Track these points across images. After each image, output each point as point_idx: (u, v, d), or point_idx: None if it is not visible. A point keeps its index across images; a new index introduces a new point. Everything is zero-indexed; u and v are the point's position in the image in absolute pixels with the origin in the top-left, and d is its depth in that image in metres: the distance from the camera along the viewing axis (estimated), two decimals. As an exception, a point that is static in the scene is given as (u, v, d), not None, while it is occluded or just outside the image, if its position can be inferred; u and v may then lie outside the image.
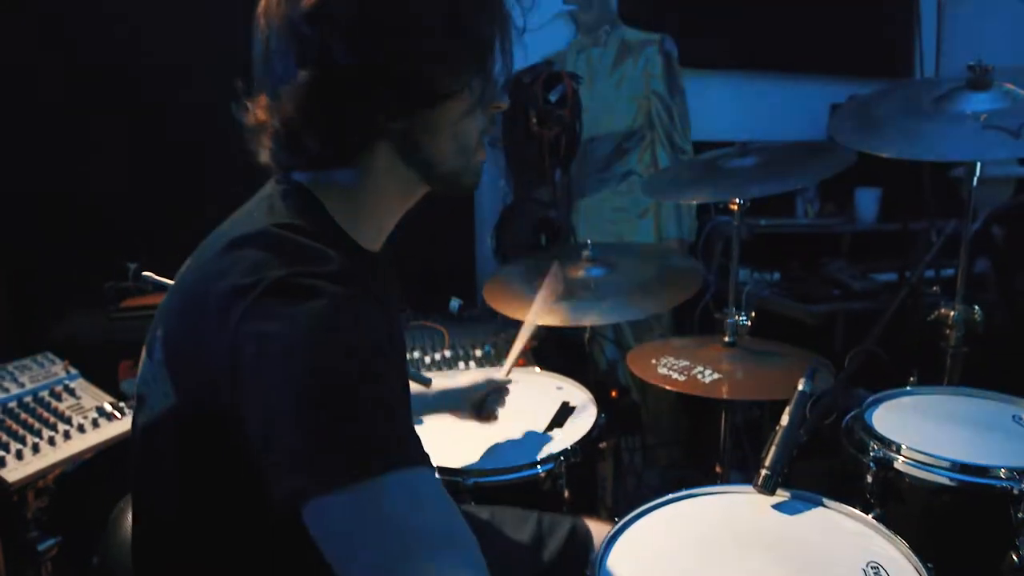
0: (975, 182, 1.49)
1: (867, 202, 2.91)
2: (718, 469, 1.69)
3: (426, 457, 0.71)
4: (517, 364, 2.09)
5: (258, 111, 0.83)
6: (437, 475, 0.75)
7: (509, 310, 1.91)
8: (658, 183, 2.06)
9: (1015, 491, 1.06)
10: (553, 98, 2.41)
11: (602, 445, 1.64)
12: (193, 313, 0.78)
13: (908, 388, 1.40)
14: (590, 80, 2.71)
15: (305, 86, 0.77)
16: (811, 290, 2.49)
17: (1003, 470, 1.09)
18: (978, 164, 1.48)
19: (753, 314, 1.85)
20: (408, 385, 1.06)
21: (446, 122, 0.84)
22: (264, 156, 0.86)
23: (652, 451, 2.66)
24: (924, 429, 1.25)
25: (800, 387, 1.26)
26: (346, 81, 0.77)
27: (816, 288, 2.51)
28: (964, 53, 2.76)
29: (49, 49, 2.18)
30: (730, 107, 2.90)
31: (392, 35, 0.76)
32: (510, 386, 1.74)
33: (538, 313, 1.61)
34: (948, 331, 1.52)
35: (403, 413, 0.76)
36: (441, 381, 1.50)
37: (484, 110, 0.88)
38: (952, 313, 1.51)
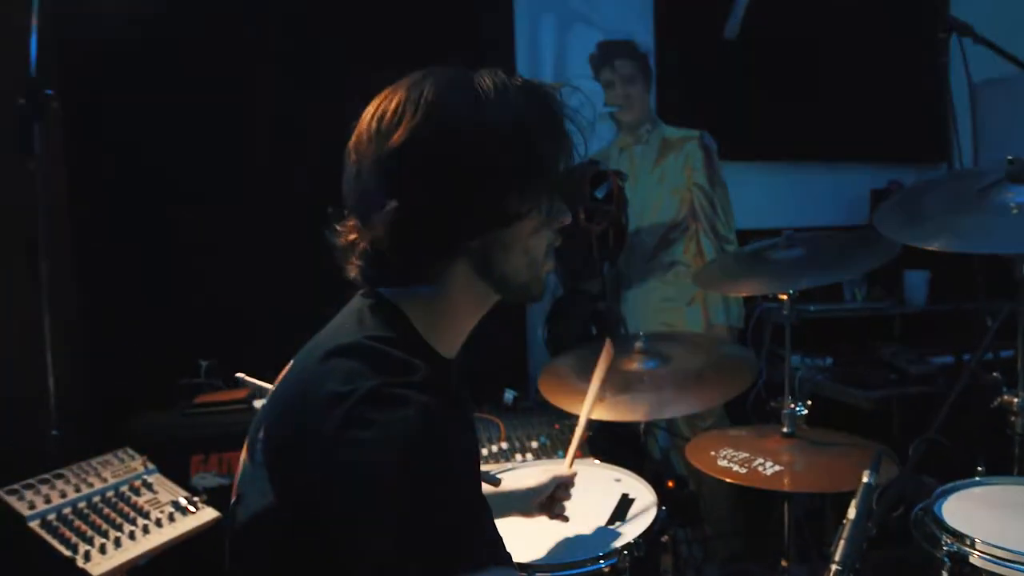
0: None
1: (916, 284, 2.91)
2: (784, 563, 1.66)
3: (508, 556, 0.75)
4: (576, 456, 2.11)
5: (349, 233, 0.92)
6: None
7: (563, 402, 1.94)
8: (708, 275, 2.12)
9: (1099, 587, 1.04)
10: (600, 194, 2.52)
11: (664, 538, 1.63)
12: (293, 418, 0.85)
13: (977, 478, 1.38)
14: (634, 176, 2.83)
15: (392, 214, 0.86)
16: (866, 375, 2.48)
17: (1085, 565, 1.07)
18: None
19: (810, 402, 1.86)
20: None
21: (518, 239, 0.92)
22: (352, 272, 0.94)
23: (711, 543, 2.60)
24: (997, 521, 1.23)
25: (865, 479, 1.26)
26: (428, 210, 0.86)
27: (871, 373, 2.50)
28: (1001, 141, 2.82)
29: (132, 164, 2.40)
30: (772, 196, 2.98)
31: (469, 171, 0.86)
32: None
33: (592, 401, 1.63)
34: (1013, 418, 1.51)
35: (487, 514, 0.80)
36: (506, 482, 1.51)
37: (552, 226, 0.96)
38: (1016, 400, 1.51)
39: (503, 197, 0.88)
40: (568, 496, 1.51)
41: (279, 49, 2.51)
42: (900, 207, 1.57)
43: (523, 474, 1.53)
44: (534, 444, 2.19)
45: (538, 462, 1.70)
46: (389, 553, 0.71)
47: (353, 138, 0.92)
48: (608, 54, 2.81)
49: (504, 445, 2.19)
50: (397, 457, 0.74)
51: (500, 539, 0.76)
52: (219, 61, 2.42)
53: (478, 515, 0.76)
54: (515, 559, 1.37)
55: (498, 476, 1.48)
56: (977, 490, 1.36)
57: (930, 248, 1.44)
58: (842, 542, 1.17)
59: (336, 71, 2.42)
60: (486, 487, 1.47)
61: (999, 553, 1.13)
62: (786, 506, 1.62)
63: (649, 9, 2.86)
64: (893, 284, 3.00)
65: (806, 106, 2.87)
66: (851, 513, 1.22)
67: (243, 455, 0.93)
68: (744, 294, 2.59)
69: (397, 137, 0.86)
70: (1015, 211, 1.38)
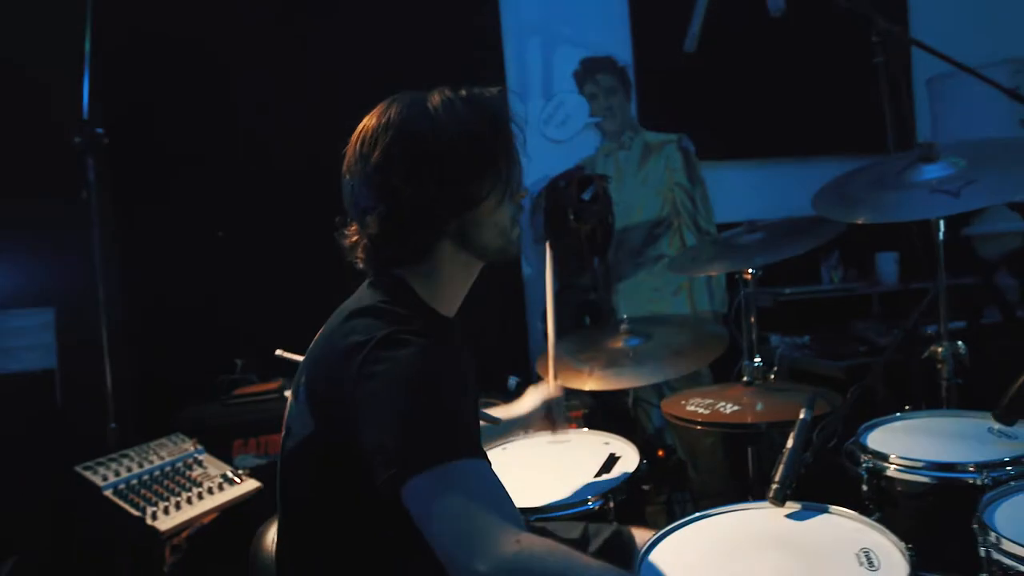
0: (940, 236, 1.76)
1: (887, 265, 3.14)
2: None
3: (484, 454, 1.00)
4: (569, 426, 2.36)
5: (351, 235, 1.20)
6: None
7: (564, 380, 2.18)
8: (682, 261, 2.38)
9: (981, 482, 1.27)
10: (586, 197, 2.78)
11: (645, 487, 1.87)
12: (327, 363, 1.11)
13: (898, 414, 1.62)
14: (619, 179, 3.09)
15: (383, 214, 1.13)
16: (838, 348, 2.70)
17: (972, 465, 1.30)
18: (941, 222, 1.75)
19: (776, 367, 2.10)
20: (477, 406, 1.35)
21: (485, 216, 1.18)
22: (359, 262, 1.22)
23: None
24: (910, 443, 1.47)
25: (801, 416, 1.51)
26: (409, 207, 1.12)
27: (843, 346, 2.72)
28: (956, 129, 3.06)
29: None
30: (747, 191, 3.23)
31: (434, 175, 1.12)
32: (565, 443, 2.01)
33: (552, 313, 1.87)
34: (939, 365, 1.74)
35: (469, 421, 1.05)
36: (503, 411, 1.79)
37: (511, 200, 1.22)
38: (940, 350, 1.74)
39: (463, 187, 1.14)
40: (562, 410, 1.78)
41: (304, 80, 2.82)
42: (833, 190, 1.82)
43: (519, 407, 1.79)
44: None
45: (532, 391, 1.92)
46: (394, 449, 0.96)
47: (345, 161, 1.19)
48: (590, 69, 3.09)
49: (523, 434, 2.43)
50: (401, 382, 1.00)
51: (478, 442, 1.02)
52: (249, 88, 2.72)
53: (461, 421, 1.01)
54: (517, 505, 1.63)
55: (497, 416, 1.73)
56: (898, 423, 1.59)
57: (858, 222, 1.68)
58: (781, 466, 1.41)
59: (349, 98, 2.72)
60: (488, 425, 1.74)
61: (906, 463, 1.37)
62: (750, 449, 1.86)
63: (626, 27, 3.14)
64: (867, 266, 3.23)
65: (775, 108, 3.12)
66: (789, 443, 1.47)
67: (290, 398, 1.20)
68: (713, 273, 2.83)
69: (375, 157, 1.13)
70: (923, 185, 1.62)
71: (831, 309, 3.16)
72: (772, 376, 2.10)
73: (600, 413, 2.47)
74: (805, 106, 3.18)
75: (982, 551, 1.10)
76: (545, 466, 1.89)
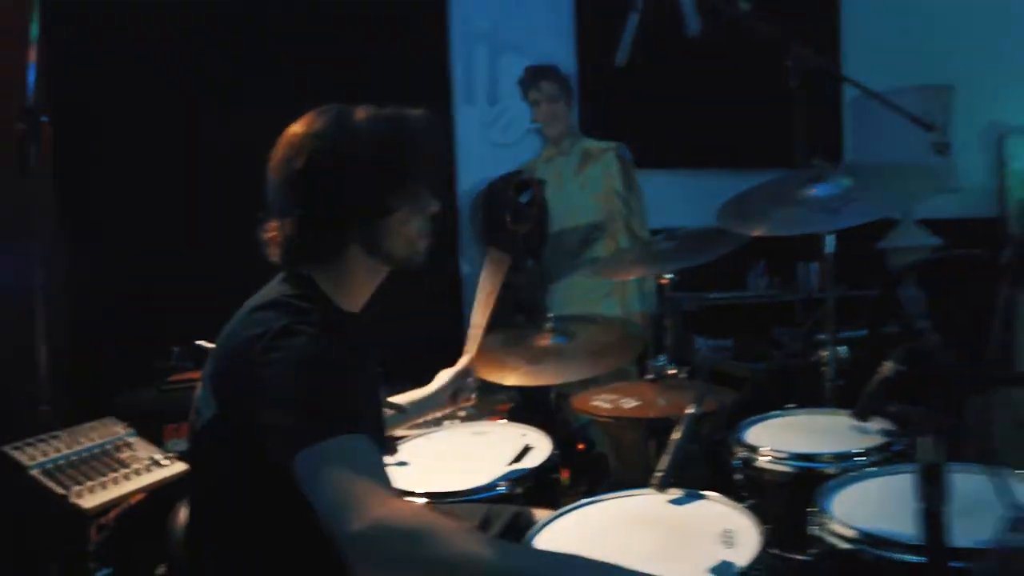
0: (828, 249, 1.91)
1: (807, 274, 3.32)
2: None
3: (368, 430, 1.11)
4: (494, 419, 2.48)
5: (271, 230, 1.29)
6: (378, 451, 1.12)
7: (489, 374, 2.30)
8: (607, 264, 2.51)
9: (834, 471, 1.43)
10: (524, 200, 2.90)
11: (554, 476, 2.00)
12: (230, 353, 1.21)
13: (775, 412, 1.78)
14: (559, 183, 3.21)
15: (299, 216, 1.24)
16: (755, 351, 2.87)
17: (827, 456, 1.46)
18: (828, 237, 1.91)
19: (686, 365, 2.24)
20: (373, 390, 1.45)
21: (394, 226, 1.29)
22: (273, 256, 1.31)
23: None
24: (780, 437, 1.62)
25: (689, 410, 1.65)
26: (324, 212, 1.23)
27: (760, 349, 2.89)
28: (873, 147, 3.24)
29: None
30: (680, 199, 3.38)
31: (348, 185, 1.23)
32: (484, 435, 2.12)
33: (487, 294, 2.03)
34: (823, 368, 1.90)
35: (354, 401, 1.15)
36: (411, 395, 1.90)
37: (421, 214, 1.33)
38: (824, 354, 1.90)
39: (375, 199, 1.26)
40: (471, 383, 1.93)
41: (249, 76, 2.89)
42: (734, 204, 1.95)
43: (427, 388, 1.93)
44: (462, 413, 2.54)
45: (443, 371, 2.02)
46: (283, 427, 1.07)
47: (271, 161, 1.28)
48: (534, 77, 3.20)
49: (437, 414, 2.54)
50: (295, 368, 1.11)
51: (359, 418, 1.12)
52: (195, 80, 2.78)
53: (344, 401, 1.12)
54: (428, 489, 1.74)
55: (404, 405, 1.83)
56: (776, 420, 1.75)
57: (754, 234, 1.83)
58: (666, 456, 1.55)
59: (293, 97, 2.80)
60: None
61: (773, 454, 1.52)
62: (649, 438, 2.00)
63: (571, 37, 3.27)
64: (789, 274, 3.41)
65: (708, 122, 3.28)
66: (675, 435, 1.60)
67: (199, 384, 1.29)
68: (630, 277, 2.97)
69: (297, 163, 1.23)
70: (810, 202, 1.77)
71: (757, 315, 3.33)
72: (676, 373, 2.23)
73: (525, 407, 2.59)
74: (736, 121, 3.35)
75: (814, 530, 1.24)
76: (461, 455, 2.00)
